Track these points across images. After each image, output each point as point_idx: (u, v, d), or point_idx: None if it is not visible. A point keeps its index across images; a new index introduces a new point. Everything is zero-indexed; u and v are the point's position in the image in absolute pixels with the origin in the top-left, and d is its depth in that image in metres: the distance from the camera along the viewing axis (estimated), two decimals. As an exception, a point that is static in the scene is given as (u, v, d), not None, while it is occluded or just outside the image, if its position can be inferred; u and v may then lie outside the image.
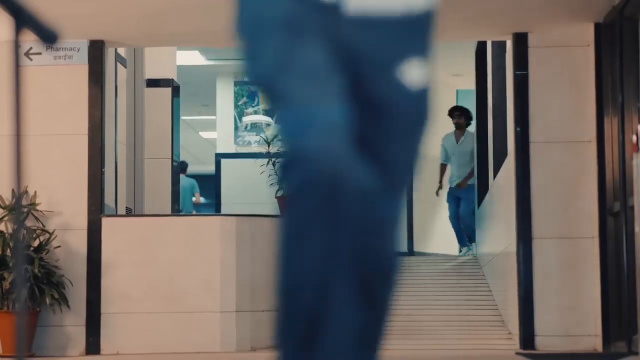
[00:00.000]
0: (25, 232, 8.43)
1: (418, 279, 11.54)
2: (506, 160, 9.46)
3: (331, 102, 2.19)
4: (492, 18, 8.48)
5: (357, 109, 2.25)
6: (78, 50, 8.82)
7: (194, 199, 17.09)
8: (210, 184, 17.78)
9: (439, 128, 16.59)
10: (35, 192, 8.68)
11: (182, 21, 8.56)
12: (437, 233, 16.35)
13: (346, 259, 2.20)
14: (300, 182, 2.12)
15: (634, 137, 7.11)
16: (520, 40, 8.61)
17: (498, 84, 11.06)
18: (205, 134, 22.60)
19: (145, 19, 8.49)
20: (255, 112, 16.98)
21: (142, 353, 8.53)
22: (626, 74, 7.61)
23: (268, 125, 16.84)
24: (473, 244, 13.47)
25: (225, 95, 17.07)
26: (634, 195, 7.13)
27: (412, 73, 2.27)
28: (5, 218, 8.52)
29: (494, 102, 11.60)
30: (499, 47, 10.85)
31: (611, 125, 8.06)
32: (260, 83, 2.26)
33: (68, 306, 8.60)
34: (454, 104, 17.17)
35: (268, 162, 9.88)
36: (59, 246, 8.69)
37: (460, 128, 13.47)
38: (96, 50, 8.86)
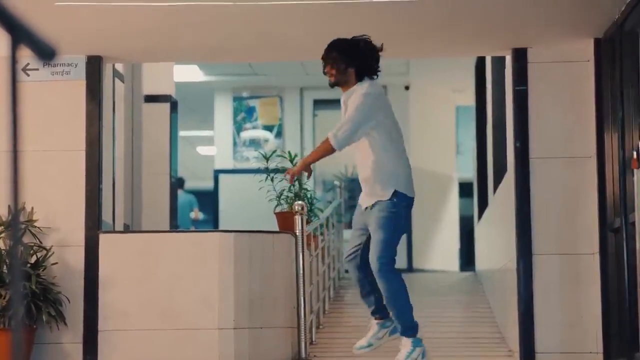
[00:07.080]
0: (22, 248, 8.39)
1: (417, 296, 11.49)
2: (506, 176, 9.43)
3: None
4: (492, 33, 8.46)
5: None
6: (75, 65, 8.79)
7: (192, 214, 17.05)
8: (209, 200, 17.76)
9: (438, 146, 16.56)
10: (32, 208, 8.64)
11: (180, 37, 8.54)
12: (436, 249, 16.31)
13: None
14: None
15: (634, 153, 7.08)
16: (520, 56, 8.59)
17: (497, 100, 11.04)
18: (203, 150, 22.58)
19: (143, 35, 8.46)
20: (254, 128, 16.95)
21: (139, 370, 8.48)
22: (626, 89, 7.58)
23: (266, 140, 16.81)
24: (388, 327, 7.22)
25: (223, 111, 17.05)
26: (634, 211, 7.11)
27: None
28: (2, 234, 8.48)
29: (493, 117, 11.59)
30: (499, 62, 10.84)
31: (611, 141, 8.03)
32: None
33: (65, 323, 8.54)
34: (453, 120, 17.09)
35: (267, 177, 9.83)
36: (56, 263, 8.64)
37: (346, 84, 6.96)
38: (94, 65, 8.83)
